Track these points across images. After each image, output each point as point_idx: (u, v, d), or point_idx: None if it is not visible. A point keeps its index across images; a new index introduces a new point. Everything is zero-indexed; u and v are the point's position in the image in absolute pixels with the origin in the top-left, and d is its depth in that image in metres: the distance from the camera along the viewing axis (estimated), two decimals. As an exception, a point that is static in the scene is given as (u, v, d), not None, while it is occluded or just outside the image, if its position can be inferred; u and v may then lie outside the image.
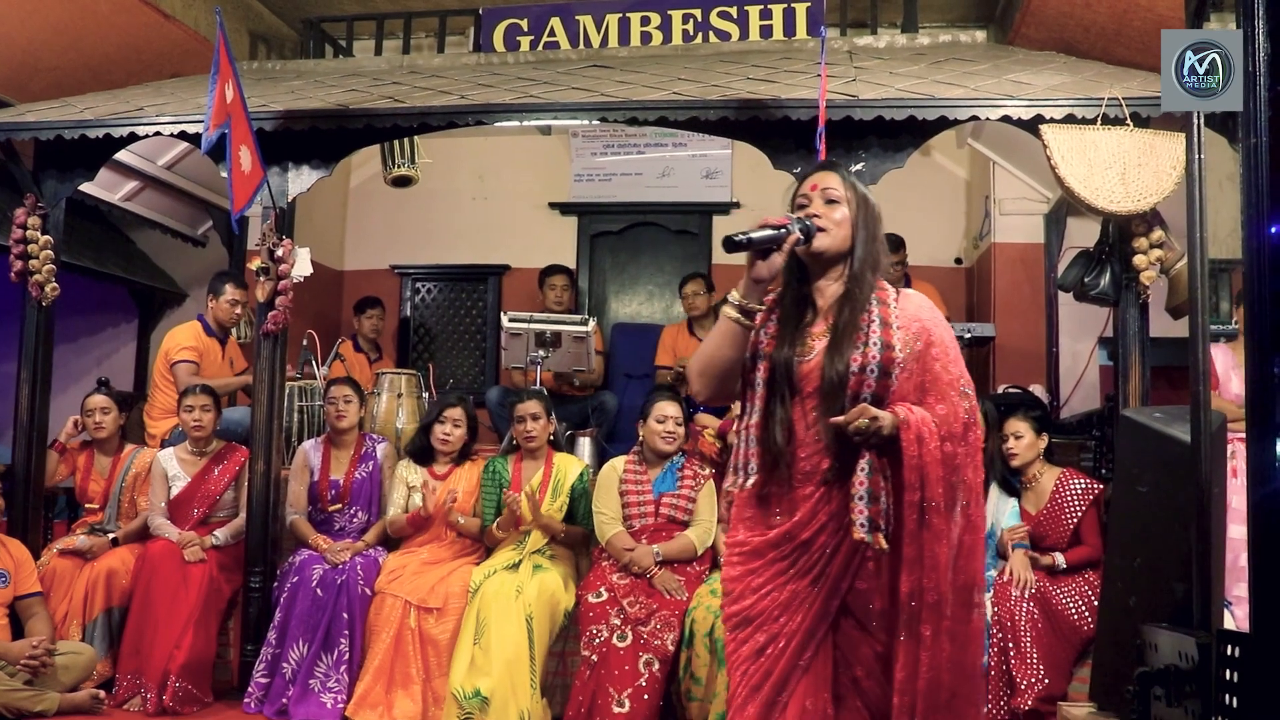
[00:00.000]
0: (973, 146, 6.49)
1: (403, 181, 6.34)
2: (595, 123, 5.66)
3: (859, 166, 4.30)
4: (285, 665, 4.26)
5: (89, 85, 6.10)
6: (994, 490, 4.29)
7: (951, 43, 5.83)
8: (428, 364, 7.01)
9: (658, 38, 6.31)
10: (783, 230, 2.15)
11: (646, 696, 3.84)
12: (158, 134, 4.90)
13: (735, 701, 2.24)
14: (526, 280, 7.19)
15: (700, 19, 6.30)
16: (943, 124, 4.32)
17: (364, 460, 4.76)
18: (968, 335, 5.46)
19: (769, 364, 2.23)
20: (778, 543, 2.22)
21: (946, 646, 2.12)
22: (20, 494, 4.88)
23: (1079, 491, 4.19)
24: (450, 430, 4.60)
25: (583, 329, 5.55)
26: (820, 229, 2.22)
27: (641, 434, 4.45)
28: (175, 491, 4.73)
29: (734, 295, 2.22)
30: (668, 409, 4.40)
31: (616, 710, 3.81)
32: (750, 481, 2.23)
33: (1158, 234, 4.20)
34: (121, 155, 5.45)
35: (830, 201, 2.25)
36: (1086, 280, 4.36)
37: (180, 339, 5.40)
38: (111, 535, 4.72)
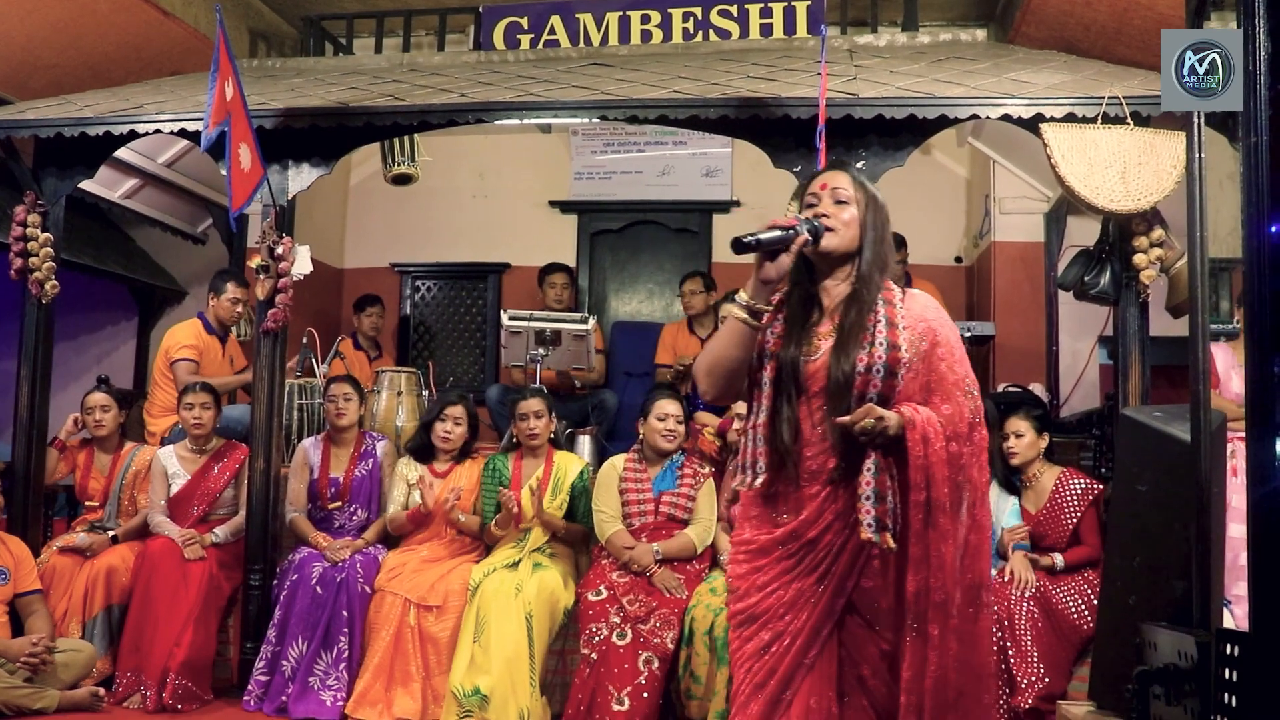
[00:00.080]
0: (973, 145, 6.49)
1: (403, 179, 6.34)
2: (595, 121, 5.66)
3: (859, 165, 4.30)
4: (285, 663, 4.26)
5: (89, 83, 6.10)
6: (994, 489, 4.28)
7: (952, 41, 5.83)
8: (428, 362, 7.01)
9: (658, 36, 6.31)
10: (791, 231, 2.15)
11: (646, 695, 3.85)
12: (158, 132, 4.90)
13: (738, 699, 2.25)
14: (526, 278, 7.19)
15: (700, 17, 6.30)
16: (943, 123, 4.32)
17: (364, 458, 4.76)
18: (968, 334, 5.46)
19: (776, 363, 2.24)
20: (784, 541, 2.22)
21: (954, 646, 2.13)
22: (20, 491, 4.88)
23: (1079, 491, 4.19)
24: (451, 428, 4.60)
25: (583, 327, 5.55)
26: (828, 229, 2.22)
27: (641, 432, 4.45)
28: (175, 489, 4.73)
29: (742, 295, 2.22)
30: (668, 407, 4.40)
31: (616, 708, 3.81)
32: (759, 481, 2.24)
33: (1158, 233, 4.20)
34: (121, 153, 5.45)
35: (839, 202, 2.25)
36: (1086, 279, 4.36)
37: (180, 337, 5.40)
38: (111, 533, 4.73)
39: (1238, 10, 2.09)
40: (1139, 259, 4.20)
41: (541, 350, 5.48)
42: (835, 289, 2.29)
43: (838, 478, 2.18)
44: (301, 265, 4.73)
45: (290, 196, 4.77)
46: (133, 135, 4.91)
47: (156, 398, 5.42)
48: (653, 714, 3.87)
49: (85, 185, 5.50)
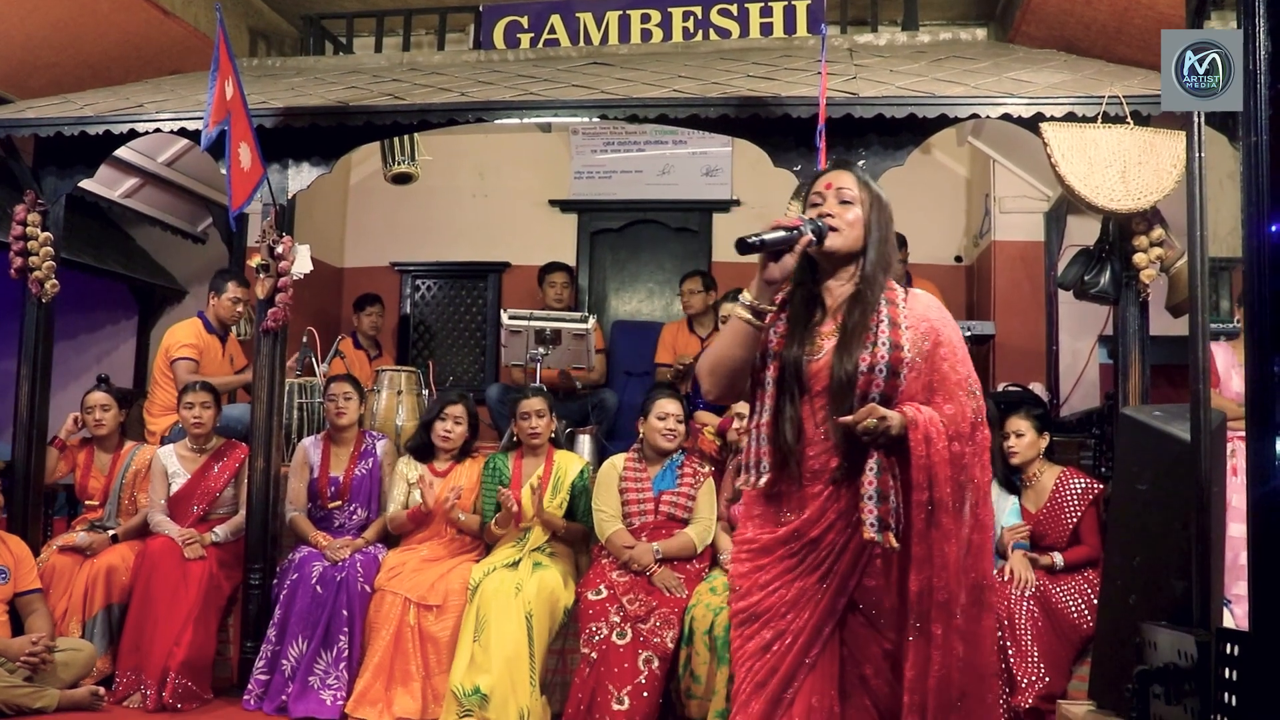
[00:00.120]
0: (973, 144, 6.49)
1: (403, 179, 6.34)
2: (595, 120, 5.64)
3: (859, 164, 4.29)
4: (285, 662, 4.26)
5: (89, 82, 6.10)
6: (994, 488, 4.28)
7: (952, 40, 5.83)
8: (427, 361, 7.02)
9: (658, 35, 6.31)
10: (795, 232, 2.15)
11: (646, 694, 3.85)
12: (157, 131, 4.89)
13: (740, 697, 2.25)
14: (526, 277, 7.19)
15: (700, 16, 6.30)
16: (943, 122, 4.32)
17: (364, 457, 4.76)
18: (968, 334, 5.45)
19: (779, 363, 2.24)
20: (786, 540, 2.23)
21: (957, 645, 2.13)
22: (20, 491, 4.88)
23: (1079, 491, 4.19)
24: (451, 427, 4.60)
25: (583, 326, 5.55)
26: (832, 228, 2.22)
27: (641, 431, 4.45)
28: (175, 488, 4.73)
29: (746, 296, 2.22)
30: (668, 406, 4.40)
31: (616, 708, 3.81)
32: (763, 480, 2.24)
33: (1158, 232, 4.20)
34: (121, 152, 5.44)
35: (844, 201, 2.26)
36: (1086, 278, 4.36)
37: (180, 336, 5.40)
38: (111, 532, 4.72)
39: (1238, 10, 2.09)
40: (1139, 258, 4.20)
41: (541, 349, 5.48)
42: (838, 289, 2.29)
43: (840, 477, 2.18)
44: (301, 264, 4.73)
45: (290, 196, 4.77)
46: (133, 134, 4.91)
47: (156, 397, 5.42)
48: (653, 713, 3.87)
49: (85, 184, 5.50)
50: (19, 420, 4.95)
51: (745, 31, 6.25)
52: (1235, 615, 3.64)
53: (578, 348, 5.63)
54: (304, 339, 5.69)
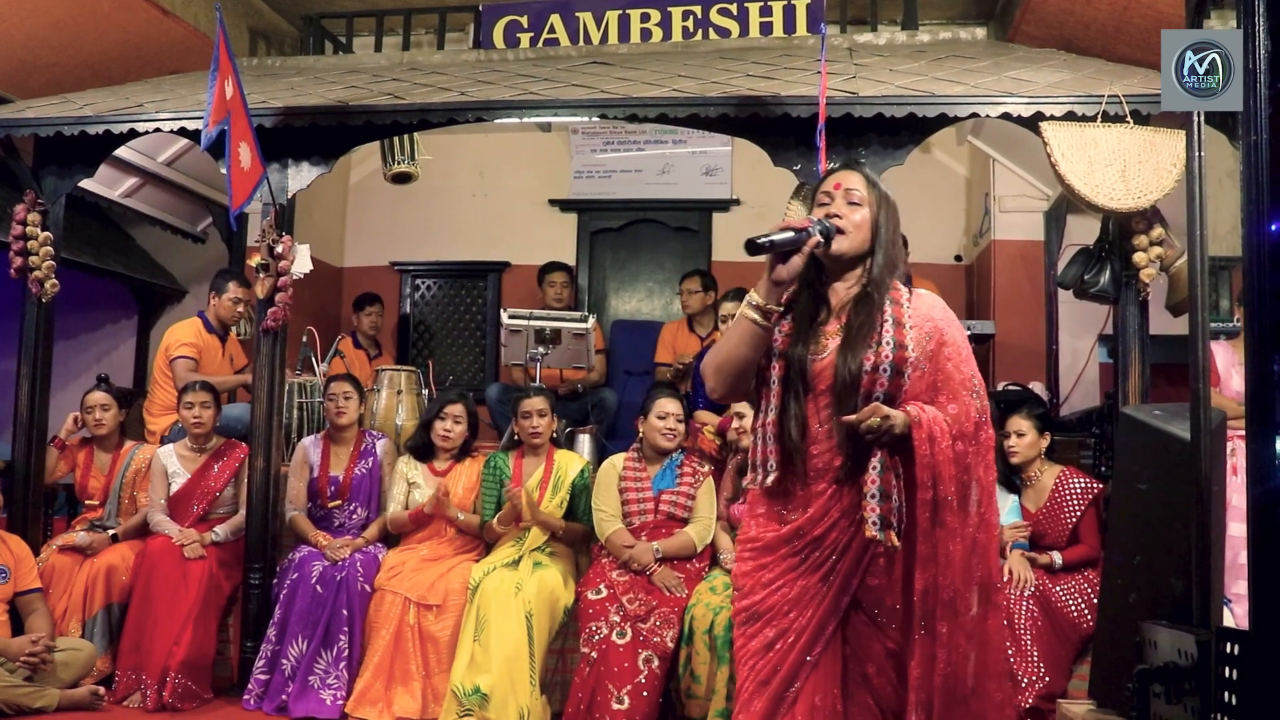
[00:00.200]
0: (973, 144, 6.49)
1: (402, 178, 6.34)
2: (595, 120, 5.65)
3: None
4: (285, 662, 4.26)
5: (89, 82, 6.10)
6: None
7: (951, 40, 5.83)
8: (427, 361, 7.02)
9: (657, 34, 6.31)
10: (803, 233, 2.16)
11: (646, 693, 3.85)
12: (157, 130, 4.89)
13: (742, 696, 2.25)
14: (526, 277, 7.20)
15: (700, 16, 6.30)
16: (943, 121, 4.32)
17: (363, 457, 4.76)
18: (968, 333, 5.44)
19: (784, 361, 2.24)
20: (789, 538, 2.23)
21: (963, 644, 2.13)
22: (20, 490, 4.88)
23: (1078, 491, 4.19)
24: (451, 427, 4.60)
25: (582, 326, 5.55)
26: (840, 230, 2.22)
27: (641, 431, 4.45)
28: (175, 488, 4.73)
29: (754, 296, 2.22)
30: (668, 406, 4.40)
31: (616, 707, 3.81)
32: (771, 478, 2.24)
33: (1158, 231, 4.19)
34: (121, 152, 5.44)
35: (852, 203, 2.26)
36: (1086, 277, 4.36)
37: (180, 335, 5.40)
38: (111, 531, 4.72)
39: (1238, 9, 2.09)
40: (1139, 257, 4.20)
41: (541, 349, 5.48)
42: (844, 289, 2.29)
43: (844, 476, 2.18)
44: (301, 264, 4.73)
45: (290, 195, 4.77)
46: (132, 134, 4.91)
47: (156, 396, 5.42)
48: (653, 713, 3.87)
49: (85, 184, 5.50)
50: (19, 420, 4.95)
51: (745, 31, 6.25)
52: (1235, 614, 3.64)
53: (578, 347, 5.63)
54: (304, 338, 5.69)
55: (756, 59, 5.37)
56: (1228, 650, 2.08)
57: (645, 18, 6.35)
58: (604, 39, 6.36)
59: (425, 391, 5.54)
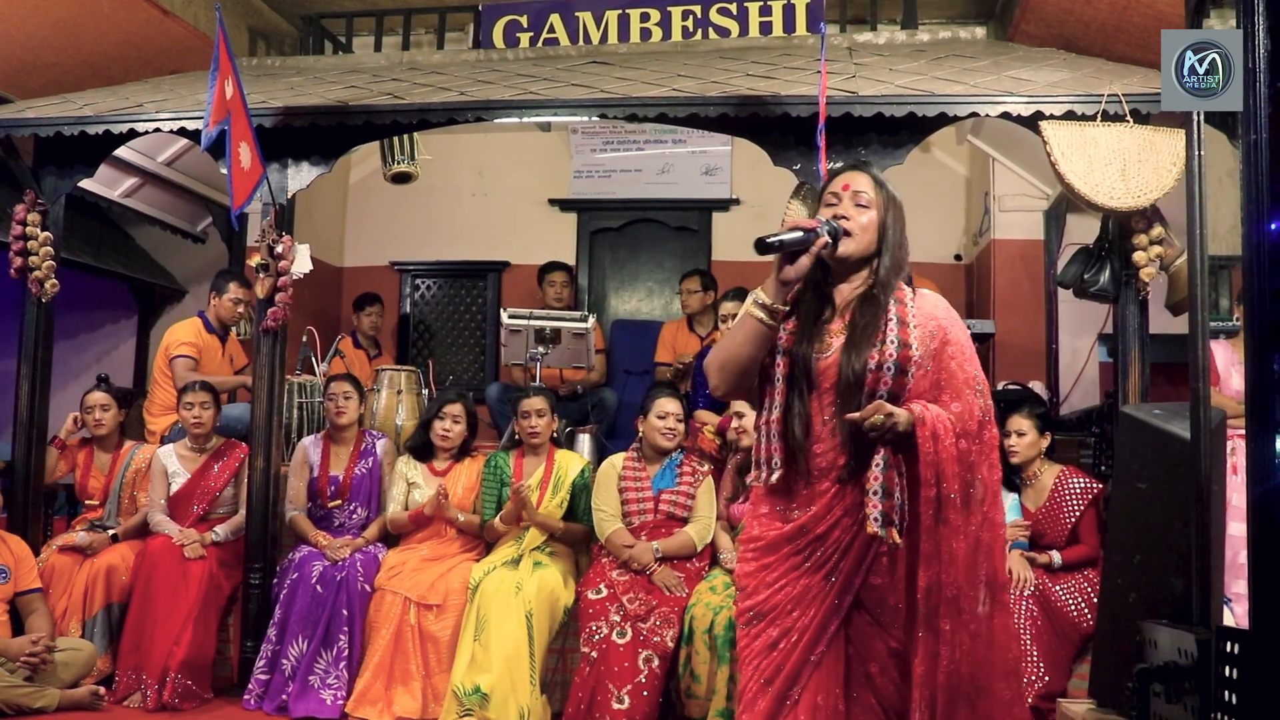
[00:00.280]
0: (972, 143, 6.49)
1: (402, 178, 6.33)
2: (595, 119, 5.64)
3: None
4: (285, 662, 4.26)
5: (88, 82, 6.10)
6: (994, 487, 4.28)
7: (951, 39, 5.83)
8: (427, 360, 7.02)
9: (657, 34, 6.31)
10: (811, 234, 2.17)
11: (646, 693, 3.85)
12: (157, 130, 4.89)
13: (746, 696, 2.25)
14: (526, 277, 7.20)
15: (700, 15, 6.31)
16: (942, 120, 4.32)
17: (363, 456, 4.76)
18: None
19: (788, 359, 2.25)
20: (792, 537, 2.24)
21: (966, 641, 2.14)
22: (20, 490, 4.88)
23: (1078, 491, 4.19)
24: (450, 426, 4.60)
25: (582, 326, 5.55)
26: (846, 232, 2.22)
27: (641, 430, 4.45)
28: (175, 488, 4.73)
29: (760, 295, 2.22)
30: (668, 405, 4.40)
31: (616, 707, 3.81)
32: (775, 476, 2.25)
33: (1157, 230, 4.20)
34: (121, 152, 5.44)
35: (860, 205, 2.27)
36: (1086, 277, 4.36)
37: (180, 335, 5.40)
38: (111, 531, 4.72)
39: (1237, 8, 2.09)
40: (1139, 256, 4.20)
41: (541, 349, 5.48)
42: (849, 289, 2.30)
43: (847, 475, 2.19)
44: (301, 264, 4.72)
45: (290, 195, 4.77)
46: (132, 134, 4.91)
47: (156, 396, 5.42)
48: (653, 713, 3.87)
49: (85, 184, 5.50)
50: (19, 420, 4.95)
51: (745, 30, 6.25)
52: (1235, 613, 3.64)
53: (577, 347, 5.63)
54: (304, 338, 5.69)
55: (756, 58, 5.37)
56: (1228, 649, 2.08)
57: (645, 17, 6.35)
58: (604, 39, 6.37)
59: (425, 391, 5.54)
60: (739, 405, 4.32)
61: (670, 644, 3.93)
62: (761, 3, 6.26)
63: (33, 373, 4.96)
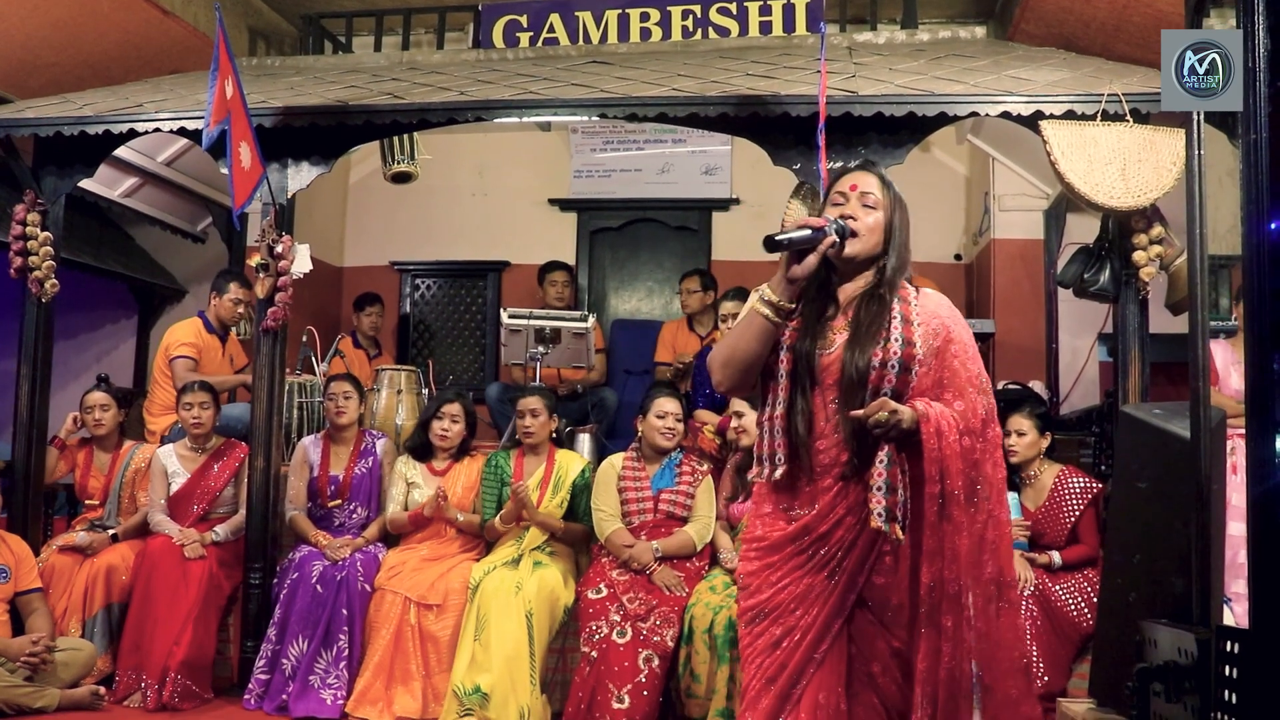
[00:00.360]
0: (972, 143, 6.49)
1: (402, 178, 6.33)
2: (595, 119, 5.65)
3: (855, 163, 4.29)
4: (285, 662, 4.26)
5: (88, 82, 6.10)
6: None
7: (951, 39, 5.83)
8: (427, 360, 7.02)
9: (657, 34, 6.31)
10: (819, 232, 2.18)
11: (646, 693, 3.85)
12: (157, 130, 4.89)
13: (749, 694, 2.26)
14: (526, 276, 7.20)
15: (700, 15, 6.31)
16: (942, 120, 4.32)
17: (363, 456, 4.76)
18: (968, 332, 5.45)
19: (792, 355, 2.25)
20: (795, 536, 2.24)
21: (968, 639, 2.14)
22: (20, 490, 4.88)
23: (1077, 490, 4.19)
24: (448, 426, 4.60)
25: (582, 325, 5.55)
26: (853, 233, 2.23)
27: (640, 430, 4.45)
28: (175, 488, 4.73)
29: (767, 293, 2.23)
30: (667, 405, 4.40)
31: (616, 706, 3.81)
32: (779, 472, 2.25)
33: (1157, 230, 4.20)
34: (121, 151, 5.44)
35: (867, 206, 2.28)
36: (1086, 276, 4.36)
37: (180, 335, 5.40)
38: (111, 531, 4.73)
39: (1237, 8, 2.09)
40: (1138, 256, 4.20)
41: (541, 348, 5.48)
42: (853, 288, 2.31)
43: (850, 472, 2.19)
44: (301, 264, 4.72)
45: (290, 195, 4.77)
46: (132, 134, 4.91)
47: (156, 396, 5.42)
48: (653, 712, 3.87)
49: (85, 184, 5.50)
50: (19, 420, 4.95)
51: (744, 30, 6.25)
52: (1235, 613, 3.64)
53: (577, 346, 5.63)
54: (304, 338, 5.69)
55: (756, 58, 5.37)
56: (1228, 649, 2.08)
57: (645, 17, 6.35)
58: (603, 38, 6.37)
59: (425, 391, 5.54)
60: (738, 405, 4.32)
61: (670, 643, 3.93)
62: (761, 2, 6.26)
63: (33, 373, 4.96)
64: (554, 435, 4.65)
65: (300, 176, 4.79)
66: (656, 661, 3.90)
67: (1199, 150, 2.41)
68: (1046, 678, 3.84)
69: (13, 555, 4.34)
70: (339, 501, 4.66)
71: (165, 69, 6.39)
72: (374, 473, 4.74)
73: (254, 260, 4.72)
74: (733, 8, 6.28)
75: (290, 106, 4.72)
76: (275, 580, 4.50)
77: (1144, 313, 4.31)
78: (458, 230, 7.63)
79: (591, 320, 5.64)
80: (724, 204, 7.40)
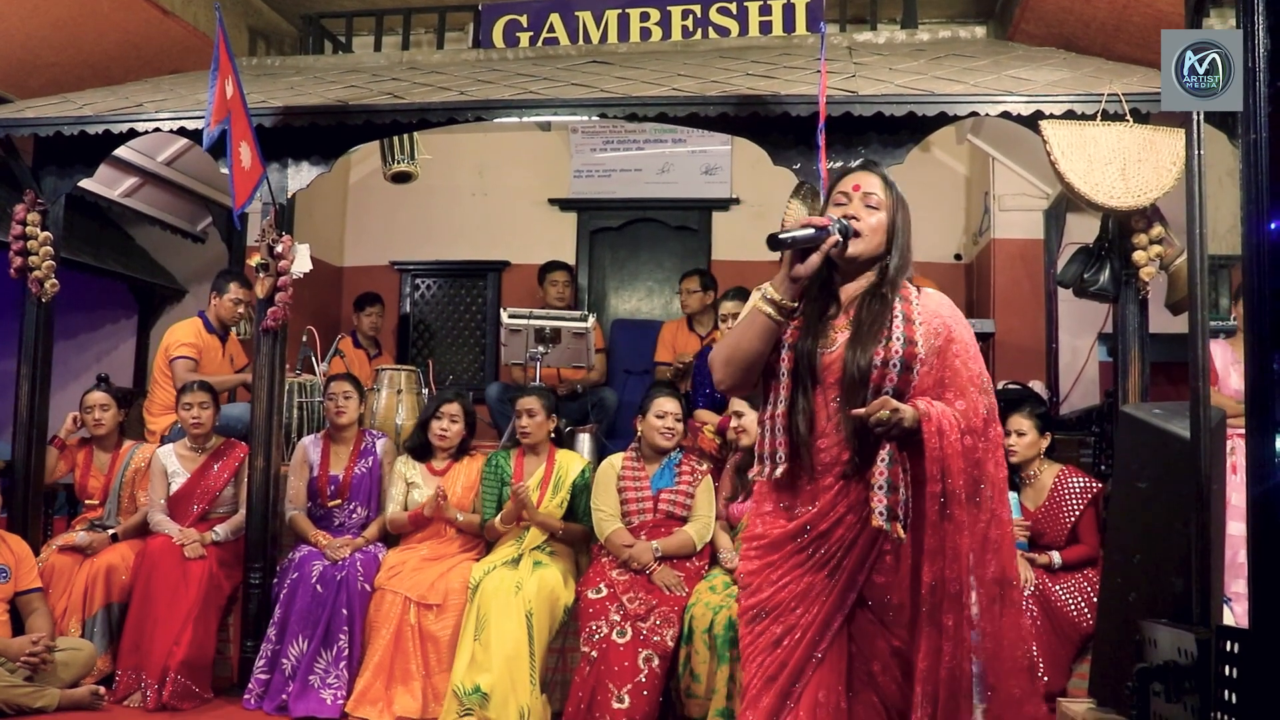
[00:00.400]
0: (972, 142, 6.49)
1: (402, 177, 6.33)
2: (595, 119, 5.65)
3: (858, 163, 4.29)
4: (285, 661, 4.26)
5: (88, 81, 6.10)
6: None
7: (951, 39, 5.83)
8: (427, 360, 7.02)
9: (657, 34, 6.31)
10: (823, 231, 2.19)
11: (646, 692, 3.84)
12: (157, 130, 4.89)
13: (749, 693, 2.26)
14: (526, 276, 7.20)
15: (700, 15, 6.31)
16: (942, 120, 4.32)
17: (363, 456, 4.76)
18: (968, 332, 5.45)
19: (793, 353, 2.25)
20: (796, 534, 2.24)
21: (968, 637, 2.14)
22: (20, 490, 4.89)
23: (1077, 490, 4.19)
24: (447, 426, 4.60)
25: (582, 325, 5.55)
26: (856, 233, 2.24)
27: (640, 430, 4.45)
28: (175, 488, 4.73)
29: (770, 291, 2.24)
30: (666, 405, 4.40)
31: (616, 706, 3.81)
32: (779, 470, 2.25)
33: (1157, 230, 4.20)
34: (121, 151, 5.44)
35: (870, 206, 2.28)
36: (1086, 276, 4.36)
37: (180, 335, 5.40)
38: (111, 531, 4.73)
39: (1237, 8, 2.09)
40: (1138, 256, 4.20)
41: (541, 348, 5.48)
42: (855, 288, 2.32)
43: (851, 471, 2.19)
44: (301, 263, 4.72)
45: (290, 195, 4.77)
46: (132, 134, 4.91)
47: (156, 396, 5.42)
48: (653, 712, 3.87)
49: (85, 184, 5.50)
50: (19, 420, 4.95)
51: (744, 30, 6.25)
52: (1235, 613, 3.64)
53: (577, 346, 5.63)
54: (304, 338, 5.69)
55: (756, 58, 5.37)
56: (1228, 649, 2.08)
57: (645, 17, 6.35)
58: (603, 38, 6.37)
59: (425, 391, 5.54)
60: (738, 404, 4.32)
61: (670, 643, 3.93)
62: (761, 2, 6.26)
63: (33, 373, 4.96)
64: (553, 435, 4.64)
65: (300, 176, 4.79)
66: (656, 661, 3.90)
67: (1199, 150, 2.41)
68: (1046, 678, 3.84)
69: (13, 555, 4.34)
70: (339, 501, 4.66)
71: (165, 69, 6.39)
72: (374, 472, 4.74)
73: (254, 260, 4.72)
74: (733, 7, 6.28)
75: (290, 106, 4.72)
76: (275, 580, 4.50)
77: (1144, 313, 4.31)
78: (458, 230, 7.63)
79: (591, 320, 5.64)
80: (724, 204, 7.40)
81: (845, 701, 2.20)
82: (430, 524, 4.56)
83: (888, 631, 2.22)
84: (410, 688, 4.19)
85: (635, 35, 6.35)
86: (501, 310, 5.79)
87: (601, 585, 4.11)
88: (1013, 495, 4.30)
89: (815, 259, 2.18)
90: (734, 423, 4.43)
